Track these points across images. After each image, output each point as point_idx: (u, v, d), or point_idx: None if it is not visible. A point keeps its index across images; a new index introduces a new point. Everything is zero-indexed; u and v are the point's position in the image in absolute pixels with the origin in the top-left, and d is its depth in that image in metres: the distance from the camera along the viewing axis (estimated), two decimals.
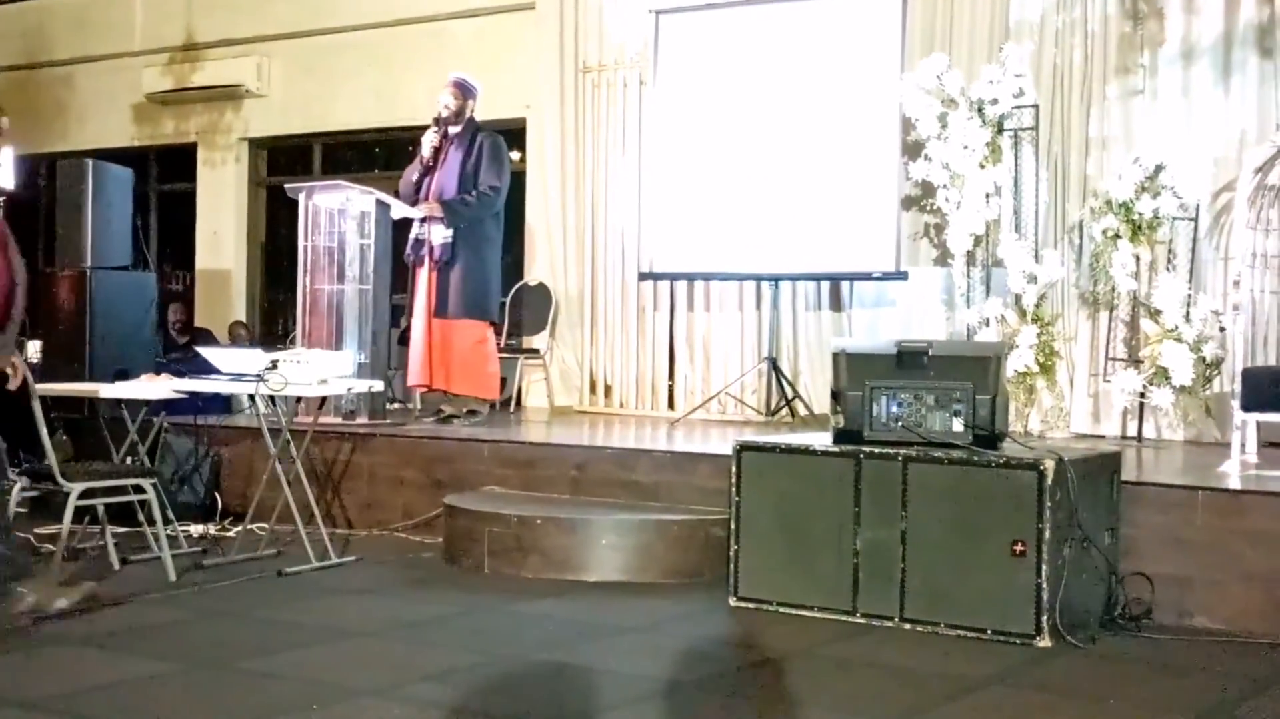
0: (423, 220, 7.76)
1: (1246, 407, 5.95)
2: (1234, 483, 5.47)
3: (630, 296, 9.17)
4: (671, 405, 8.97)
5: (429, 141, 7.76)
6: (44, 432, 5.31)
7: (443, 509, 6.35)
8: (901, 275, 7.92)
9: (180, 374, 6.45)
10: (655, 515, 5.91)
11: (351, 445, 7.12)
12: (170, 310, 11.21)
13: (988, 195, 7.46)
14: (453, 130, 7.77)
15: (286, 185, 7.99)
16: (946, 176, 7.56)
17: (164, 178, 12.54)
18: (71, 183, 8.49)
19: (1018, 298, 7.36)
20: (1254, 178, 6.60)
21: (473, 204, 7.66)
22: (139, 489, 5.66)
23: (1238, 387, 6.07)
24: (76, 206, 8.42)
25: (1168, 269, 7.16)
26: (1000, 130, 7.51)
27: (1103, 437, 7.39)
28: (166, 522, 5.82)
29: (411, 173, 7.88)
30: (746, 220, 8.23)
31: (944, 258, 7.91)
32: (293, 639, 4.73)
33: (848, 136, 8.00)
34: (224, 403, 7.88)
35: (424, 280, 7.75)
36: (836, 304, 8.53)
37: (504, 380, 8.78)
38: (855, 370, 5.19)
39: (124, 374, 7.11)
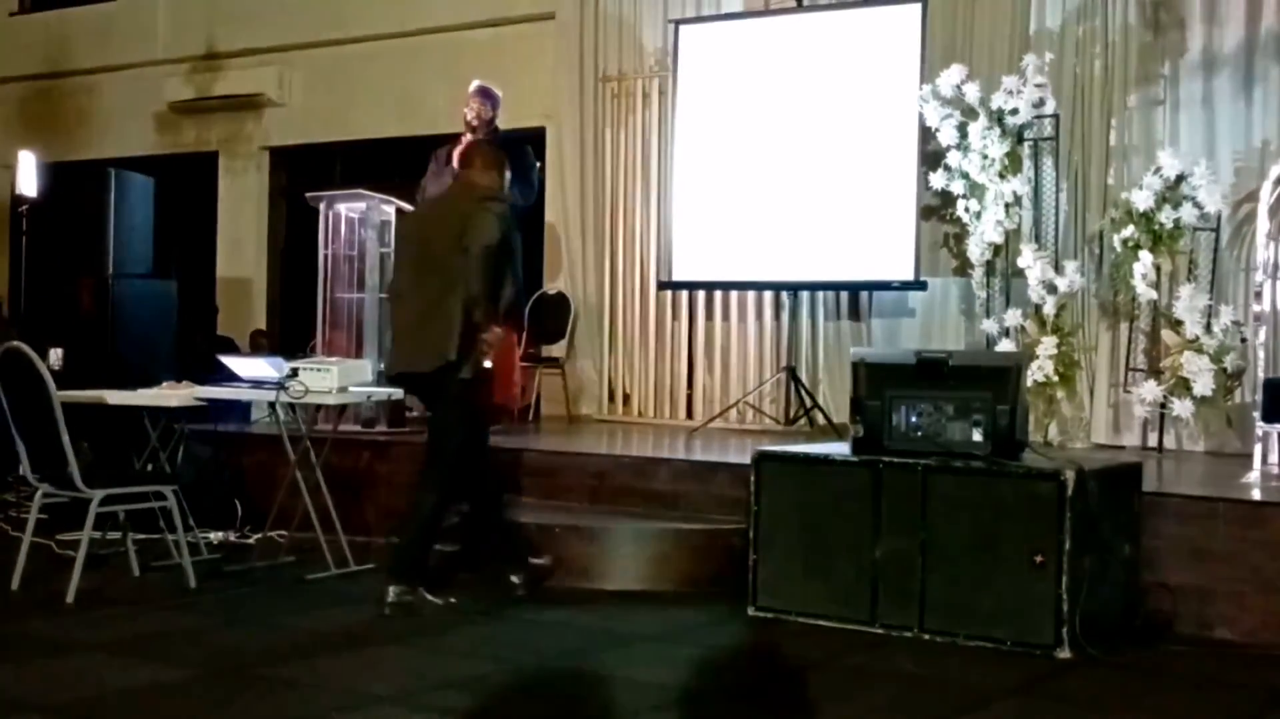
0: None
1: (1268, 418, 5.93)
2: (1256, 494, 5.45)
3: (649, 305, 9.17)
4: (690, 414, 8.96)
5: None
6: (65, 438, 5.34)
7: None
8: (921, 285, 7.90)
9: (202, 381, 6.47)
10: (674, 525, 5.91)
11: (371, 453, 7.13)
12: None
13: (1007, 205, 7.45)
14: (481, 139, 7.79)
15: (307, 194, 8.02)
16: (966, 187, 7.55)
17: (185, 187, 12.58)
18: (94, 191, 8.55)
19: (1037, 308, 7.34)
20: (1276, 188, 6.58)
21: (520, 187, 7.68)
22: (160, 496, 5.69)
23: (1259, 398, 6.05)
24: (98, 215, 8.47)
25: (1188, 279, 7.13)
26: (1020, 140, 7.50)
27: (1123, 447, 7.36)
28: (187, 529, 5.84)
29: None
30: (766, 229, 8.23)
31: (963, 268, 7.89)
32: (312, 646, 4.74)
33: (867, 146, 7.99)
34: (244, 411, 7.91)
35: None
36: (856, 313, 8.52)
37: (522, 389, 8.78)
38: (875, 380, 5.19)
39: (145, 381, 7.14)
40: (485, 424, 5.74)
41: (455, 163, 5.63)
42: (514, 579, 5.64)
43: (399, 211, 7.64)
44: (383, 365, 6.37)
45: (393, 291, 5.72)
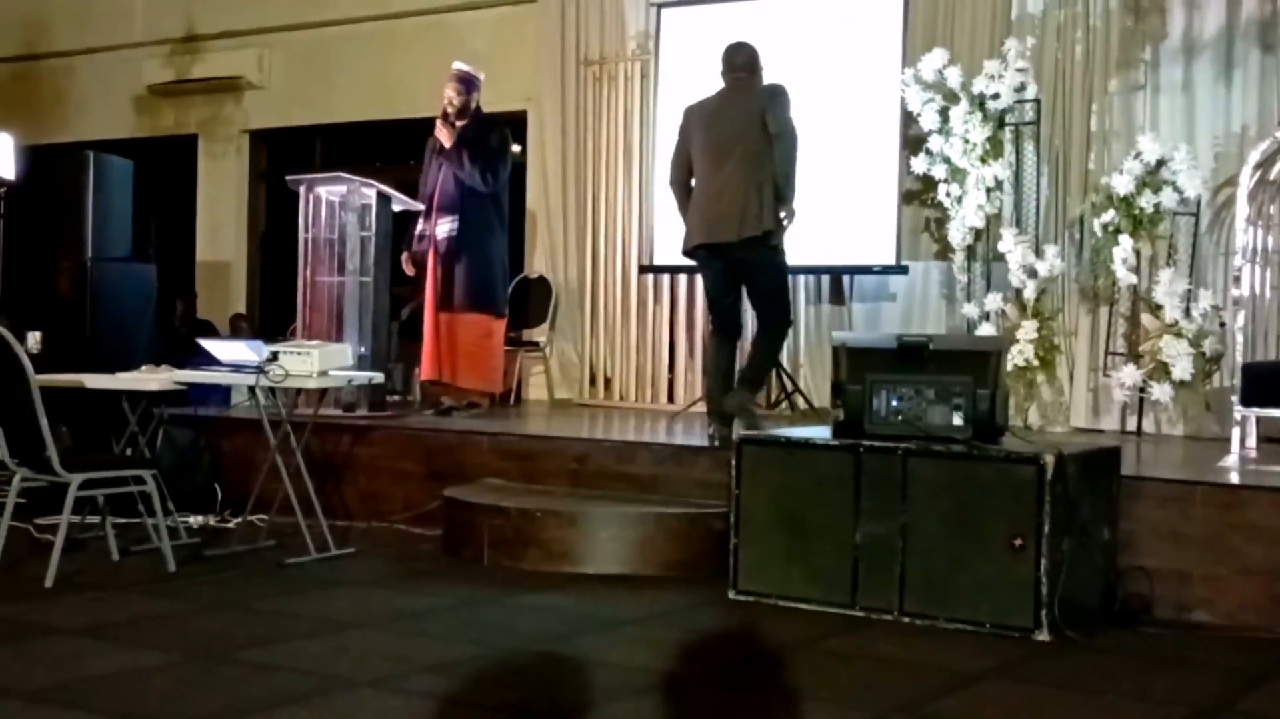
0: (426, 215, 7.78)
1: (1246, 401, 5.95)
2: (1233, 478, 5.47)
3: (631, 289, 9.17)
4: (671, 398, 8.96)
5: (442, 136, 7.75)
6: (44, 422, 5.31)
7: (442, 501, 6.36)
8: (902, 269, 7.92)
9: (182, 365, 6.44)
10: (655, 508, 5.91)
11: (351, 437, 7.12)
12: (178, 303, 11.21)
13: (988, 190, 7.46)
14: (459, 124, 7.77)
15: (287, 177, 7.99)
16: (947, 171, 7.56)
17: (165, 170, 12.52)
18: (72, 174, 8.49)
19: (1018, 292, 7.36)
20: (1255, 173, 6.59)
21: (480, 169, 7.65)
22: (139, 480, 5.66)
23: (1238, 382, 6.08)
24: (77, 197, 8.41)
25: (1168, 264, 7.16)
26: (1001, 125, 7.52)
27: (1102, 431, 7.40)
28: (166, 513, 5.82)
29: (426, 172, 7.90)
30: None
31: (944, 252, 7.92)
32: (292, 630, 4.73)
33: (849, 130, 7.99)
34: (224, 395, 7.88)
35: (429, 273, 7.77)
36: (837, 297, 8.53)
37: (504, 373, 8.77)
38: (856, 364, 5.19)
39: (124, 365, 7.10)
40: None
41: (721, 65, 6.53)
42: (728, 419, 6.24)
43: (380, 195, 7.61)
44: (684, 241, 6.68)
45: (678, 179, 6.49)
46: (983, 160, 7.45)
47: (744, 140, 6.18)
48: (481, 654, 4.44)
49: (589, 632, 4.79)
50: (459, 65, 7.94)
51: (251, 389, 6.00)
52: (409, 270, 7.87)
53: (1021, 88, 7.45)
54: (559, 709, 3.95)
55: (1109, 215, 7.17)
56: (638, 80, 9.15)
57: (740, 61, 6.47)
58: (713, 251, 6.33)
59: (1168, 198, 7.07)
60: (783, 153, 6.21)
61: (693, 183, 6.53)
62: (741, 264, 6.32)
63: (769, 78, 8.21)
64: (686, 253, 6.54)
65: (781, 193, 6.20)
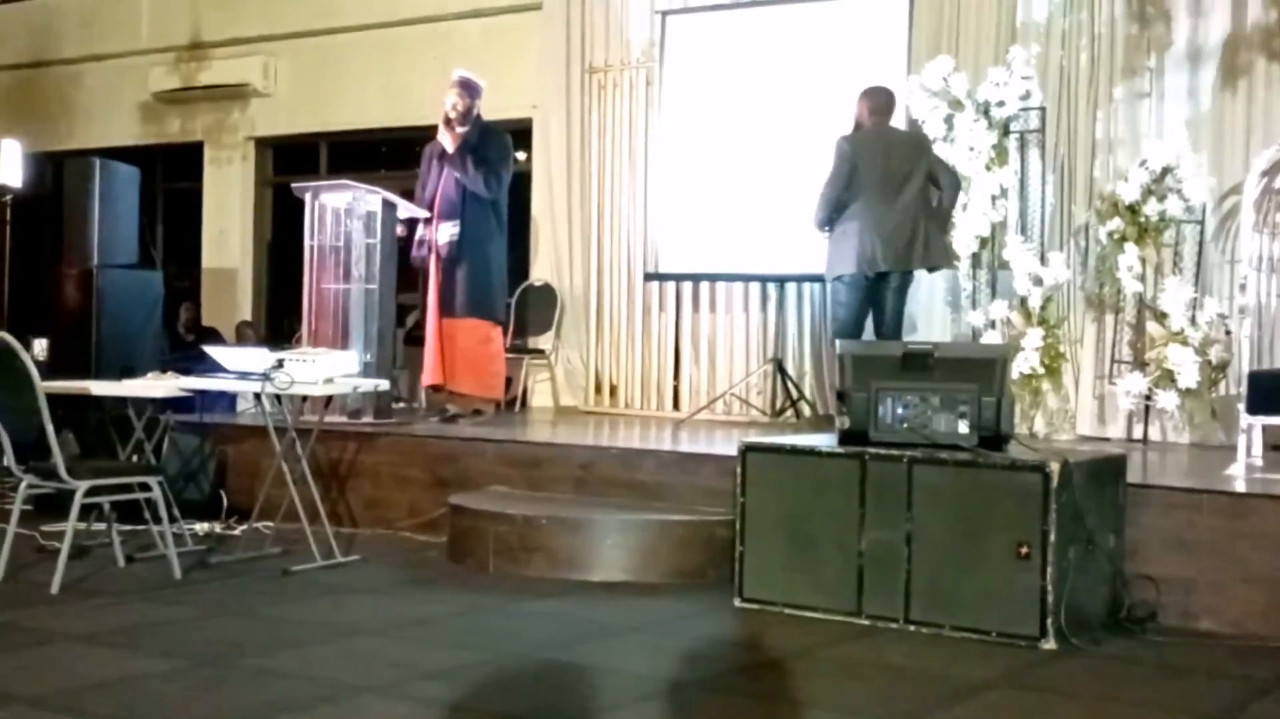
0: (426, 221, 7.81)
1: (1252, 410, 5.94)
2: (1239, 486, 5.46)
3: (636, 297, 9.17)
4: (677, 406, 8.97)
5: (445, 141, 7.78)
6: (50, 429, 5.32)
7: (447, 508, 6.36)
8: None
9: (187, 372, 6.45)
10: (660, 516, 5.91)
11: (357, 444, 7.12)
12: (182, 309, 11.24)
13: (994, 197, 7.46)
14: (460, 129, 7.80)
15: (293, 185, 8.00)
16: None
17: (171, 177, 12.55)
18: (78, 181, 8.52)
19: (1023, 300, 7.36)
20: (1260, 181, 6.60)
21: (484, 175, 7.67)
22: (144, 487, 5.67)
23: (1243, 390, 6.07)
24: (83, 205, 8.43)
25: (1174, 272, 7.15)
26: (1006, 132, 7.51)
27: (1108, 439, 7.38)
28: (172, 520, 5.82)
29: (424, 178, 7.93)
30: (752, 221, 8.23)
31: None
32: (297, 637, 4.74)
33: None
34: (230, 401, 7.90)
35: (432, 279, 7.82)
36: None
37: (509, 380, 8.78)
38: (861, 372, 5.19)
39: (129, 372, 7.12)
40: None
41: (869, 105, 7.04)
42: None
43: (385, 202, 7.61)
44: (859, 265, 6.91)
45: (839, 202, 6.86)
46: (988, 168, 7.44)
47: (917, 179, 6.86)
48: (486, 661, 4.45)
49: (593, 639, 4.79)
50: (461, 72, 7.98)
51: (257, 396, 6.00)
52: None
53: (1026, 95, 7.44)
54: (563, 716, 3.95)
55: (1114, 223, 7.17)
56: (642, 87, 9.16)
57: (887, 103, 7.12)
58: (883, 277, 6.90)
59: (1173, 205, 7.07)
60: (953, 199, 7.05)
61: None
62: (901, 289, 6.98)
63: (773, 85, 8.35)
64: (858, 275, 6.85)
65: (946, 230, 7.16)
